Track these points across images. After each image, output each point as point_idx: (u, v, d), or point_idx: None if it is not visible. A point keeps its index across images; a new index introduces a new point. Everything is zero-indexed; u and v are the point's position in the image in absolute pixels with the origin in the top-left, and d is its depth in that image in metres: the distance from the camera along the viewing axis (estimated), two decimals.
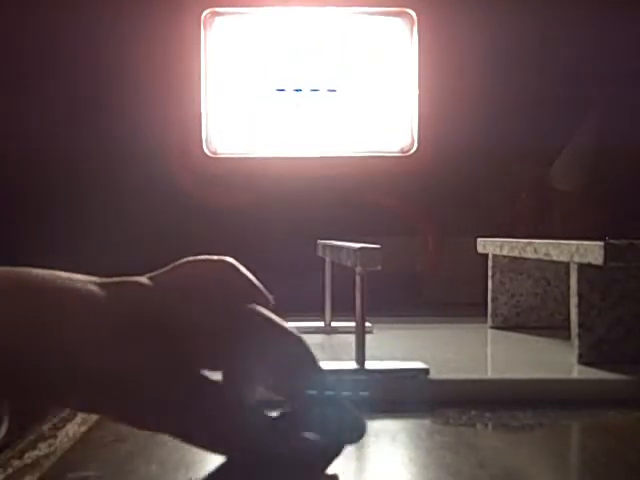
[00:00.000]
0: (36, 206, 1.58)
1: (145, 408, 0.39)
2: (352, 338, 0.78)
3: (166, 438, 0.44)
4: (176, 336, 0.40)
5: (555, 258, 0.94)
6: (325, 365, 0.79)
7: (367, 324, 0.80)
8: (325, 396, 0.42)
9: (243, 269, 0.45)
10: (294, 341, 0.43)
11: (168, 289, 0.42)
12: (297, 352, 0.43)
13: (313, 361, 0.43)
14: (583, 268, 0.86)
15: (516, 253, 1.08)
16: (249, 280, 0.45)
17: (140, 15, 1.55)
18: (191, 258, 0.45)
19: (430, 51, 1.57)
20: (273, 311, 0.44)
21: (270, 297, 0.46)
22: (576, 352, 0.87)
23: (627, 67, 1.61)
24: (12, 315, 0.37)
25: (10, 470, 0.51)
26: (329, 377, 0.43)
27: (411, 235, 1.60)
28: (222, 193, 1.59)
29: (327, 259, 1.11)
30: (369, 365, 0.76)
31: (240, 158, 1.59)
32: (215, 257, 0.45)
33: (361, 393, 0.75)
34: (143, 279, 0.42)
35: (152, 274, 0.43)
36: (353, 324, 0.77)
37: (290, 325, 0.43)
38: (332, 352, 0.98)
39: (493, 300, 1.20)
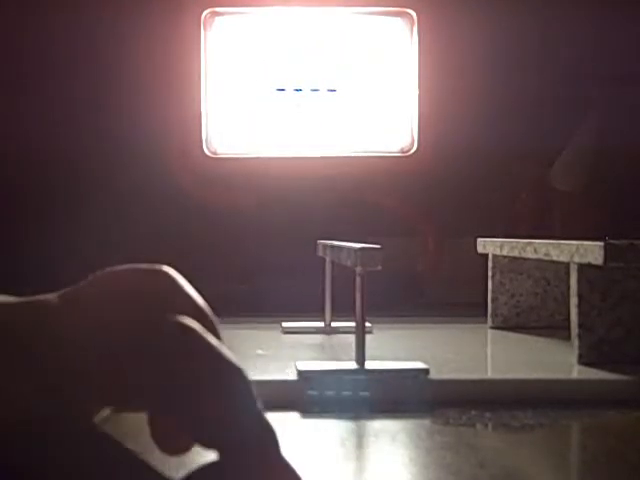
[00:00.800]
0: (36, 206, 1.58)
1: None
2: (352, 338, 0.78)
3: None
4: (72, 369, 0.31)
5: (555, 258, 0.94)
6: (325, 365, 0.79)
7: (367, 324, 0.80)
8: (263, 450, 0.33)
9: (182, 280, 0.36)
10: (232, 374, 0.33)
11: (76, 307, 0.33)
12: (234, 389, 0.33)
13: (253, 403, 0.33)
14: (583, 268, 0.86)
15: (516, 253, 1.08)
16: (187, 295, 0.36)
17: (140, 15, 1.55)
18: (116, 267, 0.36)
19: (430, 51, 1.57)
20: (215, 334, 0.35)
21: (214, 318, 0.37)
22: (576, 352, 0.87)
23: (627, 67, 1.61)
24: None
25: None
26: (271, 424, 0.34)
27: (411, 235, 1.60)
28: (222, 193, 1.59)
29: (327, 259, 1.11)
30: (369, 365, 0.76)
31: (240, 158, 1.59)
32: (146, 265, 0.36)
33: (361, 393, 0.75)
34: (50, 297, 0.34)
35: (66, 290, 0.35)
36: (353, 324, 0.77)
37: (229, 353, 0.34)
38: (332, 352, 0.98)
39: (493, 300, 1.20)
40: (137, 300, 0.34)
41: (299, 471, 0.35)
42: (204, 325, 0.35)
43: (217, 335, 0.36)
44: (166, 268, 0.36)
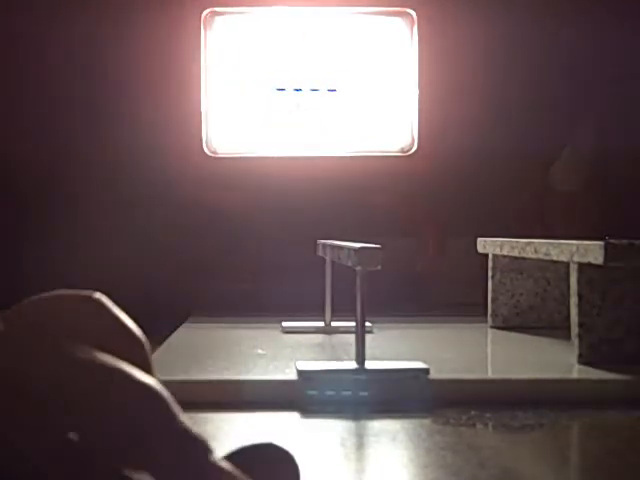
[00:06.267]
0: (36, 206, 1.58)
1: None
2: (352, 338, 0.78)
3: None
4: None
5: (555, 258, 0.94)
6: (325, 365, 0.79)
7: (367, 324, 0.80)
8: (188, 462, 0.31)
9: (111, 305, 0.35)
10: (149, 396, 0.31)
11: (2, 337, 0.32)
12: (150, 410, 0.31)
13: (169, 419, 0.32)
14: (583, 268, 0.86)
15: (516, 253, 1.08)
16: (115, 319, 0.35)
17: (140, 15, 1.55)
18: (46, 294, 0.35)
19: (430, 51, 1.57)
20: (144, 358, 0.34)
21: (145, 340, 0.35)
22: (576, 352, 0.87)
23: (627, 67, 1.61)
24: None
25: None
26: (192, 433, 0.31)
27: (411, 235, 1.61)
28: (222, 193, 1.59)
29: (327, 259, 1.11)
30: (369, 365, 0.76)
31: (240, 158, 1.59)
32: (75, 292, 0.35)
33: (361, 393, 0.75)
34: None
35: None
36: (353, 324, 0.77)
37: (147, 378, 0.32)
38: (332, 352, 0.98)
39: (493, 300, 1.20)
40: (67, 329, 0.33)
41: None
42: (133, 349, 0.34)
43: (146, 358, 0.35)
44: (97, 295, 0.35)
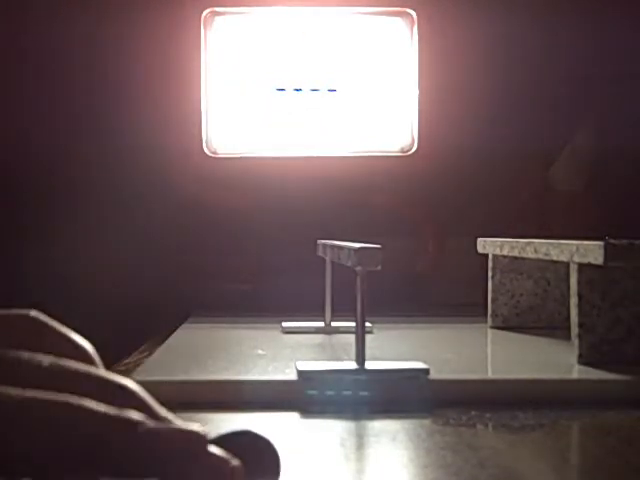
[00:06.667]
0: (36, 206, 1.57)
1: None
2: (352, 338, 0.78)
3: None
4: None
5: (555, 258, 0.94)
6: (325, 365, 0.79)
7: (367, 324, 0.80)
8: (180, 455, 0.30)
9: (51, 321, 0.35)
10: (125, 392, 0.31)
11: None
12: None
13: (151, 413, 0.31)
14: (583, 268, 0.86)
15: (516, 253, 1.08)
16: (59, 334, 0.35)
17: (140, 15, 1.55)
18: None
19: (430, 51, 1.57)
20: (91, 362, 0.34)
21: (91, 348, 0.36)
22: (576, 352, 0.87)
23: (627, 67, 1.61)
24: None
25: None
26: (173, 427, 0.31)
27: (411, 235, 1.60)
28: (222, 193, 1.59)
29: (327, 259, 1.11)
30: (369, 365, 0.76)
31: (240, 158, 1.59)
32: (10, 311, 0.35)
33: (361, 393, 0.75)
34: None
35: None
36: (353, 324, 0.77)
37: (118, 377, 0.31)
38: (332, 352, 0.98)
39: (493, 300, 1.20)
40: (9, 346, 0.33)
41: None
42: (81, 359, 0.34)
43: (95, 365, 0.35)
44: (33, 312, 0.35)
